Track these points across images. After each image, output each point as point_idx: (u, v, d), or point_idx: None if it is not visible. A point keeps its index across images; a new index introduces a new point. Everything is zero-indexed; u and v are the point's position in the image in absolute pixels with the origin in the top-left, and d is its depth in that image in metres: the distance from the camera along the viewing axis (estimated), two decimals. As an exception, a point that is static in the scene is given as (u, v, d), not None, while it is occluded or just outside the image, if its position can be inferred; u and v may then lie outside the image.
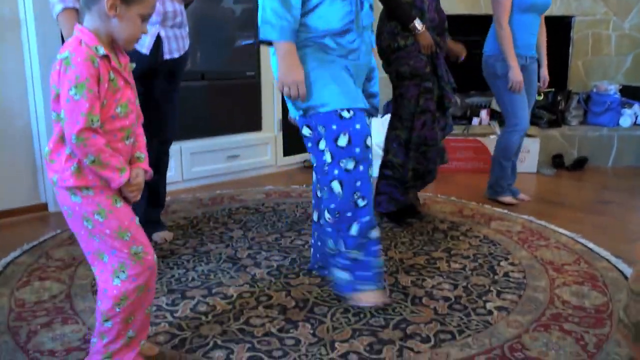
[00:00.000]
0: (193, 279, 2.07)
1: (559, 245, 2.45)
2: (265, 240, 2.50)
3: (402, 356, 1.56)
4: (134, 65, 1.38)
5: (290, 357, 1.55)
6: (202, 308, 1.84)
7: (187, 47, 2.22)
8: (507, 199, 3.17)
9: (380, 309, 1.83)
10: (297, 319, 1.77)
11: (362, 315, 1.80)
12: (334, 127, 1.76)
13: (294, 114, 1.88)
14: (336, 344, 1.62)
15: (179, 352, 1.57)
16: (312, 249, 2.13)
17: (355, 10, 1.80)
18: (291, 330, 1.70)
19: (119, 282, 1.32)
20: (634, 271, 1.20)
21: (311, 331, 1.69)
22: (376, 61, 2.03)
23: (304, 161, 4.14)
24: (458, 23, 3.84)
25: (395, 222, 2.72)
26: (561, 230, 2.65)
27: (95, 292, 1.81)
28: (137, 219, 1.36)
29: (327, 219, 1.83)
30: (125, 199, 1.34)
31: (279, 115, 3.94)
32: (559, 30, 4.54)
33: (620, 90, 4.41)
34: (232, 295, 1.94)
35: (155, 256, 1.38)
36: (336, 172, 1.77)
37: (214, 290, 1.98)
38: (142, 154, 1.40)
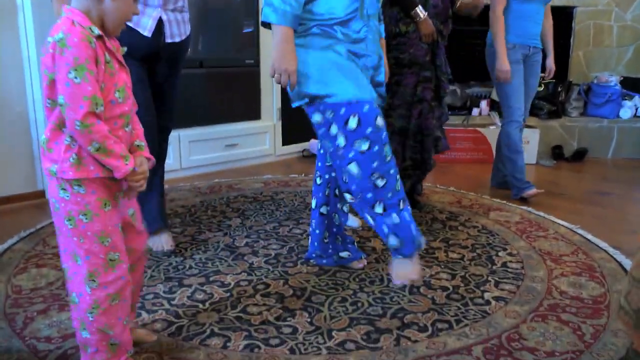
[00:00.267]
0: (191, 267, 2.07)
1: (558, 236, 2.45)
2: (263, 228, 2.50)
3: (400, 345, 1.56)
4: (125, 49, 1.32)
5: (287, 345, 1.55)
6: (200, 296, 1.84)
7: (188, 33, 2.20)
8: (532, 191, 3.03)
9: (378, 298, 1.83)
10: (295, 308, 1.77)
11: (359, 304, 1.79)
12: (343, 110, 1.74)
13: (297, 104, 1.86)
14: (333, 333, 1.62)
15: (176, 340, 1.57)
16: (310, 238, 2.12)
17: None
18: (288, 319, 1.70)
19: (89, 290, 1.26)
20: (635, 258, 1.20)
21: (308, 320, 1.69)
22: (383, 51, 2.01)
23: (303, 150, 4.13)
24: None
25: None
26: (560, 221, 2.64)
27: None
28: (119, 225, 1.29)
29: (350, 200, 1.80)
30: (114, 201, 1.28)
31: (278, 104, 3.92)
32: (560, 20, 4.51)
33: (621, 82, 4.39)
34: (229, 284, 1.93)
35: (128, 266, 1.31)
36: (352, 154, 1.75)
37: (211, 279, 1.97)
38: (142, 142, 1.34)
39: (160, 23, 2.06)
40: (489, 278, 2.01)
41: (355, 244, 2.19)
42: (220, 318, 1.69)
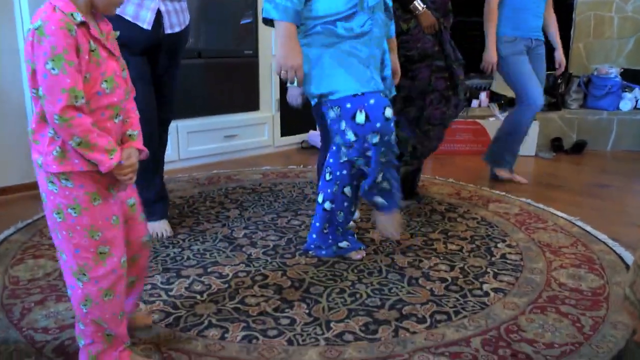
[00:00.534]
0: (188, 258, 2.06)
1: (557, 228, 2.44)
2: (261, 220, 2.49)
3: (398, 336, 1.56)
4: (117, 33, 1.26)
5: (285, 336, 1.55)
6: (197, 287, 1.83)
7: (187, 22, 2.18)
8: (503, 172, 3.16)
9: (377, 290, 1.83)
10: (293, 299, 1.76)
11: (358, 296, 1.79)
12: (349, 105, 1.75)
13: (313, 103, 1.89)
14: (332, 324, 1.61)
15: (174, 331, 1.57)
16: (310, 229, 2.12)
17: None
18: (286, 310, 1.69)
19: (80, 284, 1.23)
20: None
21: (307, 311, 1.69)
22: (392, 49, 2.00)
23: (302, 142, 4.11)
24: (458, 4, 3.78)
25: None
26: (559, 213, 2.64)
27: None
28: (113, 218, 1.24)
29: (379, 162, 1.86)
30: (107, 193, 1.23)
31: (276, 95, 3.90)
32: (561, 11, 4.46)
33: (621, 74, 4.37)
34: (227, 275, 1.93)
35: (124, 261, 1.28)
36: (366, 144, 1.80)
37: (209, 270, 1.96)
38: (135, 131, 1.28)
39: (158, 14, 2.04)
40: (488, 270, 2.00)
41: (355, 235, 2.18)
42: (218, 309, 1.69)
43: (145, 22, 2.00)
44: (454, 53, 2.56)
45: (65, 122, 1.10)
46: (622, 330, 1.59)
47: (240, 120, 3.73)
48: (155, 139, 2.19)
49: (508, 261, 2.08)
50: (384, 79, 1.92)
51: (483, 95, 4.39)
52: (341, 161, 1.97)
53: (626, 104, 4.31)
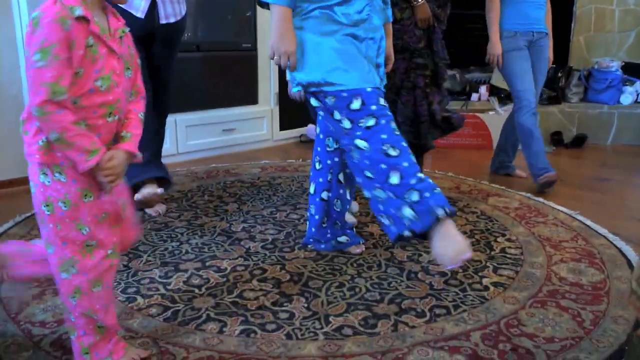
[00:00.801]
0: (187, 252, 2.05)
1: (557, 222, 2.43)
2: (260, 214, 2.48)
3: (397, 330, 1.55)
4: (127, 29, 1.24)
5: (283, 330, 1.54)
6: (196, 281, 1.82)
7: (183, 13, 2.16)
8: (544, 178, 2.92)
9: (376, 284, 1.82)
10: (292, 293, 1.75)
11: (357, 290, 1.78)
12: (345, 94, 1.70)
13: (296, 89, 1.83)
14: (330, 318, 1.60)
15: (172, 325, 1.56)
16: (308, 223, 2.10)
17: None
18: (285, 304, 1.68)
19: (69, 276, 1.21)
20: None
21: (305, 305, 1.68)
22: (387, 35, 1.97)
23: (300, 135, 4.10)
24: (459, -4, 3.76)
25: None
26: (559, 207, 2.63)
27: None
28: (103, 214, 1.22)
29: (367, 176, 1.68)
30: (99, 191, 1.21)
31: (275, 88, 3.88)
32: (561, 4, 4.46)
33: (622, 68, 4.35)
34: (226, 269, 1.92)
35: (117, 256, 1.27)
36: (359, 132, 1.69)
37: (207, 263, 1.95)
38: (129, 132, 1.24)
39: (153, 3, 2.02)
40: (488, 264, 1.99)
41: (354, 229, 2.17)
42: (216, 303, 1.68)
43: (139, 10, 1.98)
44: (442, 50, 2.55)
45: (43, 116, 1.08)
46: (622, 324, 1.58)
47: (238, 114, 3.71)
48: (148, 127, 2.20)
49: (508, 255, 2.07)
50: (377, 65, 1.88)
51: (483, 89, 4.37)
52: (329, 149, 1.96)
53: (627, 98, 4.29)
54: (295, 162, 3.45)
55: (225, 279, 1.84)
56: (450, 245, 1.55)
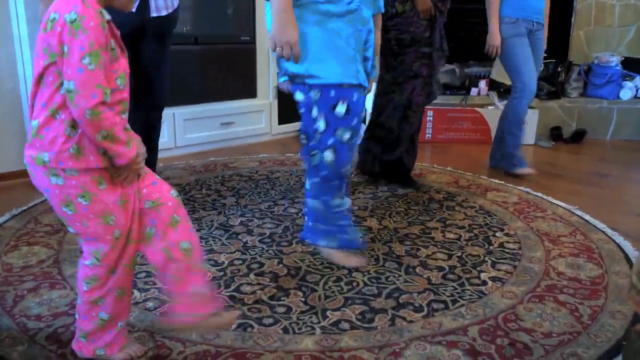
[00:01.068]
0: (184, 246, 2.04)
1: (555, 217, 2.43)
2: (258, 207, 2.47)
3: (395, 325, 1.54)
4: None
5: (280, 324, 1.53)
6: (193, 275, 1.81)
7: (175, 5, 2.13)
8: (526, 170, 3.05)
9: (374, 278, 1.81)
10: (289, 287, 1.74)
11: (354, 284, 1.77)
12: (333, 93, 1.69)
13: (282, 79, 1.80)
14: (328, 312, 1.60)
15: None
16: (305, 217, 2.09)
17: None
18: (282, 298, 1.67)
19: (90, 264, 1.25)
20: None
21: (303, 299, 1.67)
22: (377, 27, 1.95)
23: (299, 129, 4.08)
24: (459, -10, 3.74)
25: (374, 182, 2.80)
26: (558, 202, 2.62)
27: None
28: (120, 199, 1.22)
29: (313, 183, 1.81)
30: (109, 178, 1.21)
31: (274, 82, 3.86)
32: (562, -1, 4.45)
33: (622, 62, 4.33)
34: (223, 262, 1.91)
35: (133, 242, 1.27)
36: (331, 141, 1.72)
37: (205, 257, 1.95)
38: (128, 124, 1.27)
39: None
40: (486, 258, 1.99)
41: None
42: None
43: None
44: (440, 42, 2.53)
45: (96, 117, 1.10)
46: (620, 319, 1.57)
47: (237, 107, 3.69)
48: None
49: (506, 250, 2.06)
50: (366, 58, 1.85)
51: (482, 84, 4.35)
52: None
53: (626, 93, 4.28)
54: (293, 156, 3.44)
55: (222, 273, 1.83)
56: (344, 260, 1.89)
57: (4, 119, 2.76)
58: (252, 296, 1.68)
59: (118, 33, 1.20)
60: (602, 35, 4.62)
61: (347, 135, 1.72)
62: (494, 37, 2.90)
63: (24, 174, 2.86)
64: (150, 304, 1.62)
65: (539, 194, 2.74)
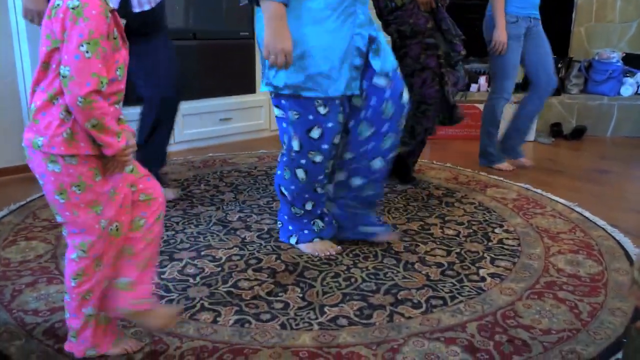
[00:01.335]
0: (182, 241, 2.03)
1: (555, 213, 2.42)
2: (256, 203, 2.46)
3: (393, 321, 1.54)
4: (124, 21, 1.26)
5: (278, 320, 1.52)
6: (190, 270, 1.81)
7: None
8: (503, 165, 3.15)
9: (372, 274, 1.81)
10: (287, 283, 1.74)
11: (352, 280, 1.77)
12: (311, 117, 1.74)
13: (266, 88, 1.79)
14: (325, 308, 1.59)
15: (165, 314, 1.54)
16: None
17: None
18: (280, 294, 1.67)
19: (76, 257, 1.24)
20: None
21: (300, 295, 1.66)
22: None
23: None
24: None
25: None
26: (557, 198, 2.61)
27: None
28: (111, 190, 1.23)
29: (283, 193, 1.92)
30: (105, 170, 1.22)
31: (273, 77, 3.84)
32: (563, -6, 4.43)
33: (623, 59, 4.32)
34: (221, 258, 1.90)
35: (120, 234, 1.27)
36: (303, 161, 1.81)
37: (202, 253, 1.94)
38: (122, 115, 1.28)
39: None
40: (485, 255, 1.98)
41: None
42: (210, 292, 1.67)
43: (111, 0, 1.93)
44: (453, 27, 2.52)
45: (88, 105, 1.10)
46: (620, 316, 1.57)
47: (236, 103, 3.68)
48: None
49: (505, 246, 2.06)
50: (378, 71, 1.79)
51: (482, 80, 4.34)
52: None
53: (627, 90, 4.26)
54: (292, 151, 3.42)
55: (220, 269, 1.82)
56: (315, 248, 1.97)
57: (2, 114, 2.75)
58: (249, 292, 1.68)
59: (122, 23, 1.21)
60: (603, 31, 4.59)
61: (318, 158, 1.81)
62: (502, 34, 2.88)
63: (22, 169, 2.87)
64: (147, 300, 1.61)
65: (539, 191, 2.73)
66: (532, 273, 1.84)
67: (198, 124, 3.50)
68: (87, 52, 1.08)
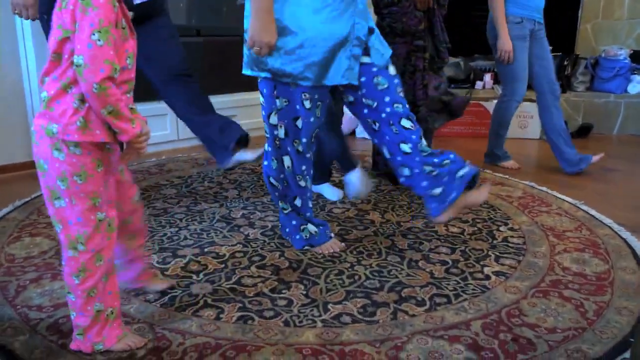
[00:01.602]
0: (185, 238, 2.03)
1: (561, 211, 2.40)
2: (260, 200, 2.46)
3: (397, 319, 1.53)
4: (132, 14, 1.30)
5: (281, 317, 1.52)
6: (194, 267, 1.81)
7: None
8: (509, 163, 3.16)
9: (376, 272, 1.80)
10: (290, 280, 1.73)
11: (356, 277, 1.76)
12: (298, 107, 1.75)
13: (253, 72, 1.78)
14: (329, 306, 1.58)
15: (168, 310, 1.54)
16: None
17: None
18: (283, 291, 1.66)
19: (76, 254, 1.25)
20: None
21: (304, 292, 1.66)
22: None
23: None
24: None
25: (393, 183, 2.69)
26: (563, 196, 2.60)
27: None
28: (105, 183, 1.26)
29: (273, 184, 1.92)
30: (108, 161, 1.25)
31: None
32: (569, -9, 4.40)
33: (631, 56, 4.28)
34: (224, 255, 1.90)
35: (114, 230, 1.29)
36: (289, 148, 1.82)
37: (206, 249, 1.94)
38: (134, 105, 1.30)
39: None
40: (490, 253, 1.97)
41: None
42: (214, 289, 1.66)
43: None
44: (442, 34, 2.52)
45: (103, 92, 1.13)
46: (627, 316, 1.55)
47: (239, 100, 3.68)
48: None
49: (510, 244, 2.04)
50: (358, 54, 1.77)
51: (487, 77, 4.32)
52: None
53: (634, 87, 4.23)
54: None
55: (223, 265, 1.82)
56: None
57: (7, 112, 2.76)
58: (253, 289, 1.67)
59: (129, 13, 1.23)
60: (610, 28, 4.56)
61: (301, 147, 1.82)
62: (506, 43, 2.86)
63: (27, 165, 2.88)
64: (150, 296, 1.61)
65: (544, 189, 2.71)
66: (538, 271, 1.83)
67: (202, 121, 3.49)
68: (98, 40, 1.11)
